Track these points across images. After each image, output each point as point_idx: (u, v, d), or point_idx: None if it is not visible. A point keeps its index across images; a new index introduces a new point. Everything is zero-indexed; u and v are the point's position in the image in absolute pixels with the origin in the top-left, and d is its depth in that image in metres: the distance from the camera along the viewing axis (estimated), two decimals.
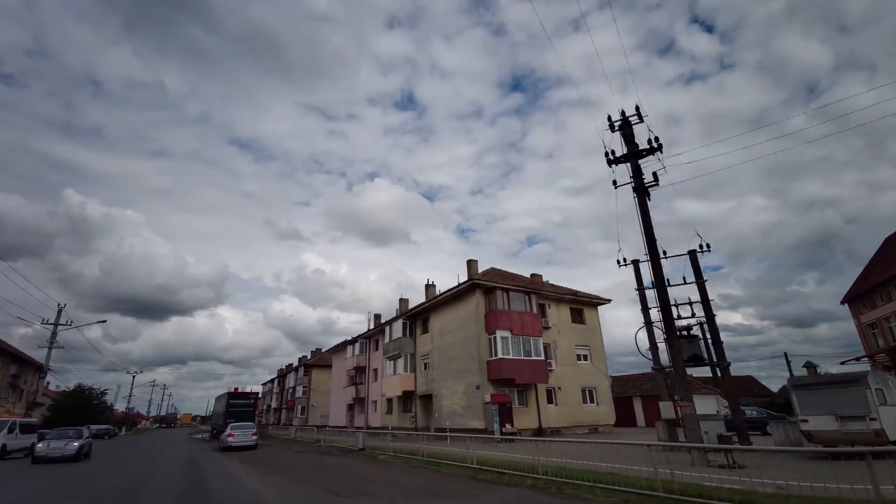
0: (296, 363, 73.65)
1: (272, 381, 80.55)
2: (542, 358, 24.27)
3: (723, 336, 15.61)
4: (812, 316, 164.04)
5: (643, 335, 16.22)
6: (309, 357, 66.22)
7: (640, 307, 16.33)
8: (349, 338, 42.85)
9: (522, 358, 23.43)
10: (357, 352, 38.26)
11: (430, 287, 34.77)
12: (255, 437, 21.74)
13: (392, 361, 31.49)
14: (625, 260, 16.75)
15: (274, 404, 72.94)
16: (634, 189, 13.41)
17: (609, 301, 29.47)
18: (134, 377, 68.31)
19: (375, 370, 36.92)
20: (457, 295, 26.07)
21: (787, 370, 39.15)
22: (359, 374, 39.92)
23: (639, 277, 16.89)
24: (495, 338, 23.29)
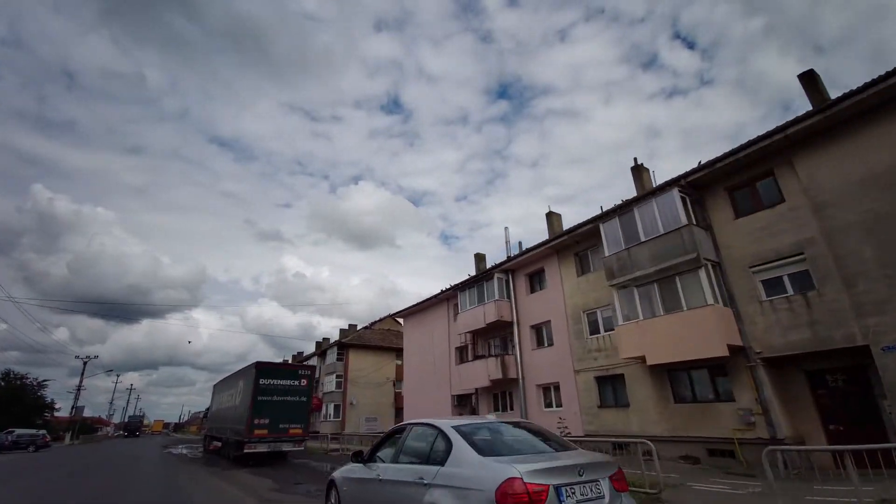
0: (313, 349, 55.19)
1: None
2: None
3: None
4: None
5: None
6: (338, 338, 47.93)
7: None
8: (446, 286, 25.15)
9: None
10: (496, 295, 20.61)
11: (639, 169, 18.23)
12: None
13: (642, 290, 14.14)
14: None
15: None
16: None
17: None
18: (85, 364, 48.65)
19: (540, 327, 19.43)
20: None
21: None
22: (479, 341, 22.31)
23: None
24: None
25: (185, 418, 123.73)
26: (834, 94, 11.83)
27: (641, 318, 13.86)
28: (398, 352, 43.06)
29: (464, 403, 23.69)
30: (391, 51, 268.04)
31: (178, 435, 79.77)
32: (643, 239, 14.25)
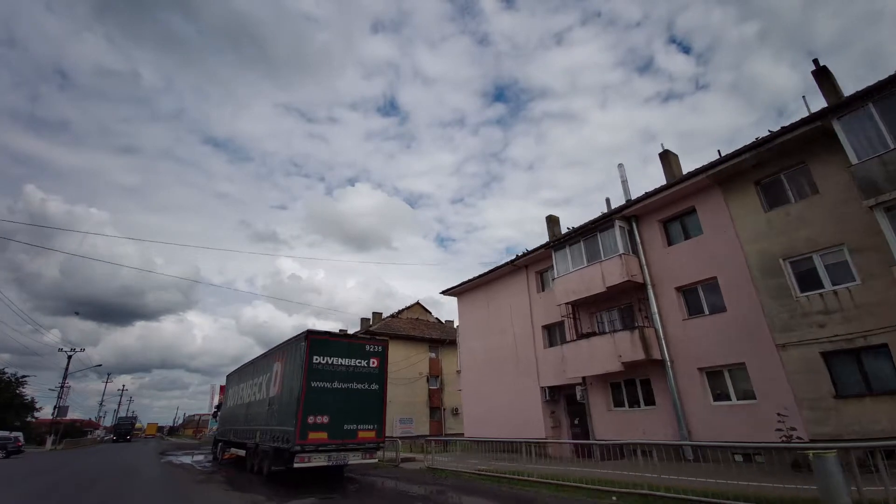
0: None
1: None
2: None
3: None
4: None
5: None
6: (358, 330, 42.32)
7: None
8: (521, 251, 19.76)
9: None
10: (619, 249, 15.14)
11: (825, 72, 12.80)
12: None
13: None
14: None
15: None
16: None
17: None
18: (70, 357, 42.68)
19: (694, 288, 13.96)
20: None
21: None
22: (581, 315, 16.88)
23: None
24: None
25: (180, 421, 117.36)
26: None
27: None
28: (431, 343, 37.64)
29: (556, 398, 18.22)
30: (388, 52, 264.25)
31: (174, 439, 73.68)
32: None
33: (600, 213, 18.27)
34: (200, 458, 22.06)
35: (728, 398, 12.60)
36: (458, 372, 24.20)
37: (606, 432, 15.31)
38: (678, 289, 14.21)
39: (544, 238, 20.58)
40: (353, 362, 11.49)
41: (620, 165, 17.96)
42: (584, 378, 16.30)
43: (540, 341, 18.87)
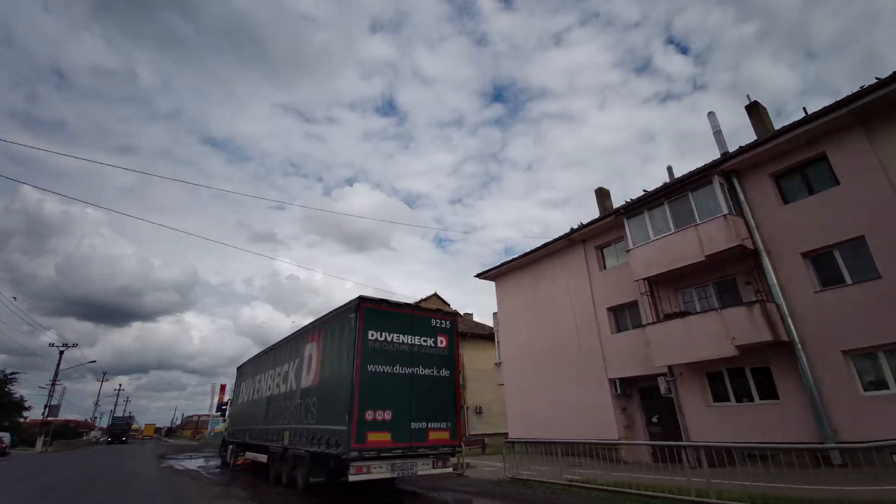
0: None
1: None
2: None
3: None
4: None
5: None
6: None
7: None
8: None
9: None
10: (722, 209, 12.41)
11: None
12: None
13: None
14: None
15: None
16: None
17: None
18: (62, 353, 39.76)
19: (828, 252, 11.25)
20: None
21: None
22: (659, 293, 14.18)
23: None
24: None
25: (178, 422, 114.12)
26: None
27: None
28: None
29: (628, 392, 15.52)
30: (386, 52, 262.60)
31: (172, 440, 70.72)
32: None
33: (662, 184, 15.74)
34: (204, 461, 19.32)
35: (885, 387, 9.92)
36: (497, 364, 21.49)
37: (704, 432, 12.63)
38: (805, 254, 11.52)
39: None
40: (417, 340, 8.77)
41: (711, 114, 15.30)
42: (670, 367, 13.61)
43: (606, 326, 16.18)
